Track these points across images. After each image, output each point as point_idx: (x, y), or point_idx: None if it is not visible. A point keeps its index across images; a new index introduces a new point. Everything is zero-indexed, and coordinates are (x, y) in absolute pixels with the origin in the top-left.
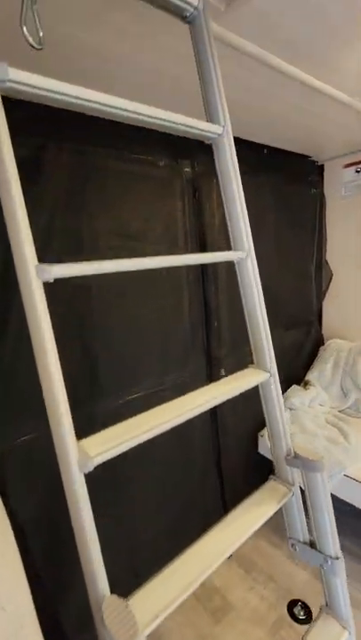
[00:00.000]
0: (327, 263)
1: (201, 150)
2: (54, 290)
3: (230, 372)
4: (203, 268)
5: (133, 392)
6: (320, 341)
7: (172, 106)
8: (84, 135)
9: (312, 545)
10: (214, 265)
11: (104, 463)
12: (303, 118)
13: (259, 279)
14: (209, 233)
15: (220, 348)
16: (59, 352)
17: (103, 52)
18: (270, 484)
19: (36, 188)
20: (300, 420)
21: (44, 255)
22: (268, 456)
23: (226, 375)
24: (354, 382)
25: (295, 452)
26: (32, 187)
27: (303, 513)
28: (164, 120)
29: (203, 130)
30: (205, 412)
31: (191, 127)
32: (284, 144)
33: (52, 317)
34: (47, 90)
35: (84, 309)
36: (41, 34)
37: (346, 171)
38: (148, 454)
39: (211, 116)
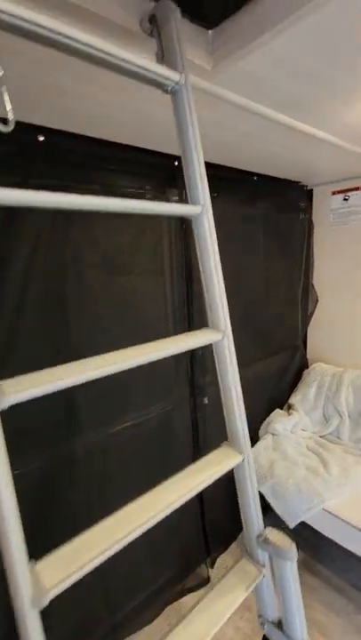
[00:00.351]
0: (313, 288)
1: None
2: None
3: (213, 399)
4: (188, 294)
5: (120, 423)
6: (305, 365)
7: (163, 144)
8: (66, 171)
9: (280, 624)
10: (200, 293)
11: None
12: (294, 155)
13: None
14: (196, 264)
15: (203, 377)
16: None
17: (88, 98)
18: (241, 565)
19: (14, 227)
20: (282, 447)
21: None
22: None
23: (208, 403)
24: (336, 408)
25: (266, 537)
26: (12, 225)
27: (273, 593)
28: (146, 208)
29: (183, 212)
30: (187, 446)
31: (171, 209)
32: (274, 172)
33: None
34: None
35: (64, 340)
36: (11, 116)
37: (334, 197)
38: (119, 488)
39: (191, 194)
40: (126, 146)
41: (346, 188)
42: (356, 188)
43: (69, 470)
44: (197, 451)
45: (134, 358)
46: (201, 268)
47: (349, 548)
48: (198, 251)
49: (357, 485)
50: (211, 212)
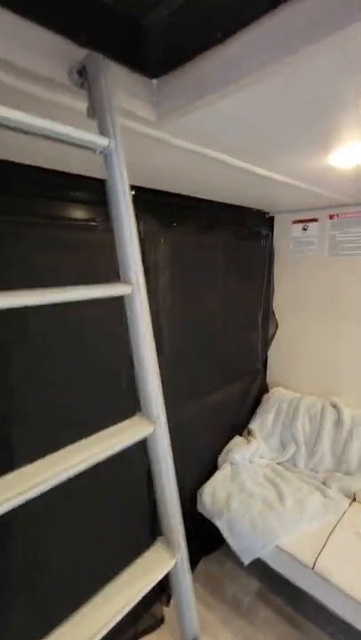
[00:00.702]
0: (274, 313)
1: (147, 210)
2: None
3: (173, 425)
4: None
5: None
6: (265, 388)
7: None
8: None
9: None
10: (157, 323)
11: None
12: (254, 189)
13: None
14: (153, 298)
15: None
16: None
17: None
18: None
19: None
20: (240, 477)
21: None
22: (208, 516)
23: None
24: (292, 436)
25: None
26: None
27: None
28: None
29: (114, 293)
30: (141, 472)
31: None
32: (235, 201)
33: None
34: None
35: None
36: None
37: (295, 226)
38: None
39: (124, 272)
40: (77, 175)
41: (305, 218)
42: (315, 220)
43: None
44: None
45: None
46: (133, 349)
47: (300, 586)
48: (131, 334)
49: (310, 520)
50: (144, 290)
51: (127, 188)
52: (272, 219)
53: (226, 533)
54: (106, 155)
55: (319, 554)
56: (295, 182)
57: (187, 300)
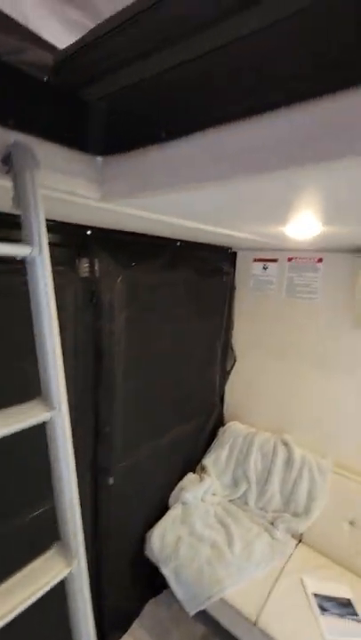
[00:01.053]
0: (232, 348)
1: (104, 248)
2: None
3: (120, 479)
4: (96, 373)
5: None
6: (221, 422)
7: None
8: None
9: None
10: (110, 370)
11: None
12: (213, 236)
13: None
14: (106, 339)
15: (109, 457)
16: None
17: None
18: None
19: None
20: (191, 518)
21: None
22: (156, 561)
23: (114, 484)
24: (245, 473)
25: None
26: None
27: None
28: None
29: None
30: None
31: None
32: (198, 239)
33: None
34: None
35: None
36: None
37: (255, 264)
38: None
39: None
40: None
41: (266, 257)
42: (274, 260)
43: None
44: (98, 539)
45: None
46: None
47: (243, 639)
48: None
49: (257, 566)
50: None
51: (53, 305)
52: (235, 254)
53: (172, 582)
54: (28, 262)
55: (263, 607)
56: (253, 237)
57: (144, 339)
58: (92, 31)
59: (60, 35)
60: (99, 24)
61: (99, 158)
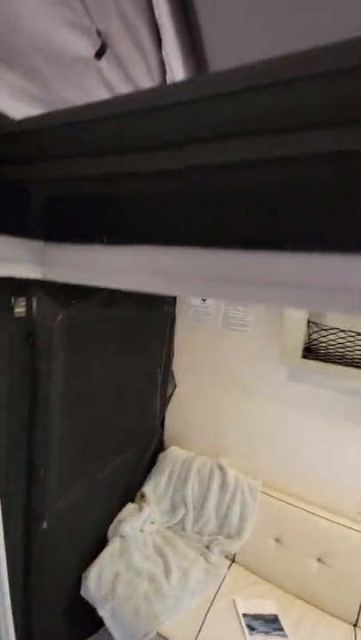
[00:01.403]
0: (173, 374)
1: (42, 287)
2: None
3: (56, 522)
4: (31, 414)
5: None
6: (162, 447)
7: None
8: None
9: None
10: (46, 410)
11: None
12: None
13: None
14: (43, 380)
15: (43, 501)
16: None
17: None
18: None
19: None
20: (129, 551)
21: None
22: (92, 603)
23: (48, 528)
24: (182, 499)
25: None
26: None
27: None
28: None
29: None
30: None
31: None
32: None
33: None
34: None
35: None
36: None
37: None
38: None
39: None
40: None
41: None
42: None
43: None
44: (29, 590)
45: None
46: None
47: None
48: None
49: (192, 595)
50: None
51: None
52: None
53: (109, 623)
54: None
55: (197, 635)
56: None
57: (83, 376)
58: (50, 114)
59: (6, 101)
60: (57, 110)
61: (41, 243)
